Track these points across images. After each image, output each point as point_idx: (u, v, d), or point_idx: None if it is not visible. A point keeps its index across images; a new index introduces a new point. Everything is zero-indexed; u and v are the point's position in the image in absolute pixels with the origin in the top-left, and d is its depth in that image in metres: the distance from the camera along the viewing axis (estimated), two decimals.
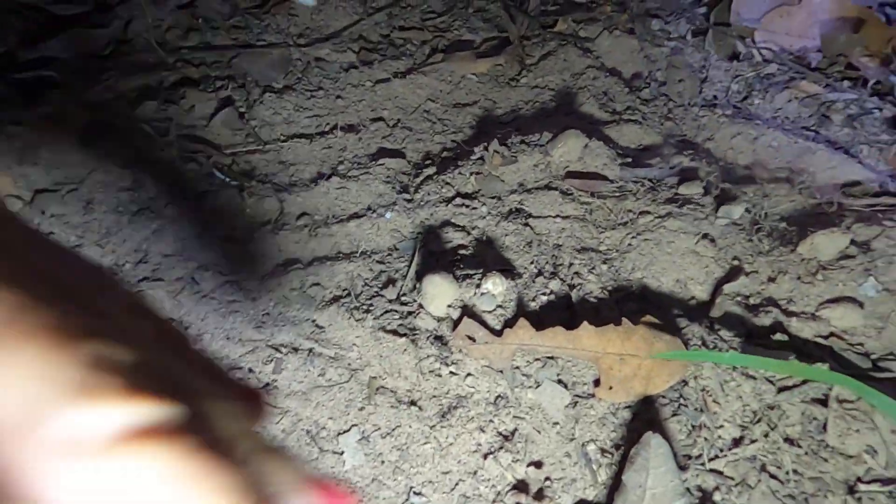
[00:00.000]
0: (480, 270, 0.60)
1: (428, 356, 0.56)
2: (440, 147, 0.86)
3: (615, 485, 0.46)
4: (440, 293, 0.57)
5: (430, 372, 0.55)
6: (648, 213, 0.69)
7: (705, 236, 0.67)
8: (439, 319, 0.58)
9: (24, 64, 0.77)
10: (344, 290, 0.62)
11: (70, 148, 0.69)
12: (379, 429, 0.53)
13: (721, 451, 0.50)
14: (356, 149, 0.84)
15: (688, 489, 0.45)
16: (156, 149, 0.72)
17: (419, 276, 0.59)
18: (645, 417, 0.53)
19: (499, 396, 0.54)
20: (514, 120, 0.91)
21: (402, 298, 0.61)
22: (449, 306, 0.58)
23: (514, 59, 1.01)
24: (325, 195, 0.73)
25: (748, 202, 0.69)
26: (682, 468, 0.48)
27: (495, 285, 0.58)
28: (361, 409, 0.54)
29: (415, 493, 0.50)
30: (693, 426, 0.52)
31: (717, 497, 0.48)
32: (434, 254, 0.66)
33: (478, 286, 0.58)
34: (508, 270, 0.63)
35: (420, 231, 0.69)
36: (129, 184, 0.69)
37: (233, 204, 0.69)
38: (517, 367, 0.56)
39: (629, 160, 0.78)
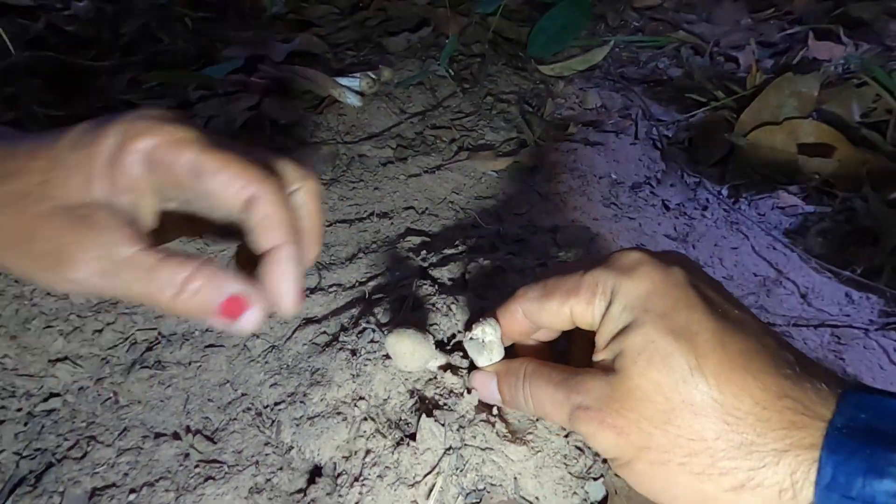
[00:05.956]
0: None
1: None
2: (462, 232, 0.98)
3: None
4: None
5: None
6: None
7: None
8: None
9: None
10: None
11: None
12: None
13: None
14: (388, 231, 0.97)
15: None
16: None
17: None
18: None
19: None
20: (527, 212, 1.03)
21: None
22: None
23: (531, 159, 1.15)
24: (356, 270, 0.85)
25: None
26: None
27: None
28: None
29: None
30: None
31: None
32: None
33: None
34: None
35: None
36: None
37: None
38: None
39: None
